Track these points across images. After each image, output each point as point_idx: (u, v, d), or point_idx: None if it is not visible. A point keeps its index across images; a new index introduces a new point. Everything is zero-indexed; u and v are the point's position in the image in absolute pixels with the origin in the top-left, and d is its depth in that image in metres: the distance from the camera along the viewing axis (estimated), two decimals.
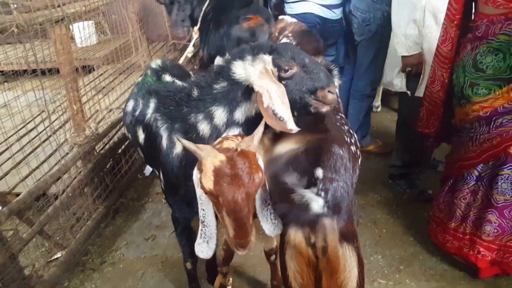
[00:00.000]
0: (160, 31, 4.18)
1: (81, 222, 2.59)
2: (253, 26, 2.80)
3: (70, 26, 4.05)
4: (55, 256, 2.42)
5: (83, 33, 3.93)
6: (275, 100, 1.45)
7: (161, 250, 2.55)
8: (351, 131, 1.70)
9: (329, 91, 1.55)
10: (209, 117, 1.61)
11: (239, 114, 1.60)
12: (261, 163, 1.35)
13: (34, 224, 2.19)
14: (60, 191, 2.38)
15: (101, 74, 3.43)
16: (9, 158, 2.26)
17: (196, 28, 3.05)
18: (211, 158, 1.26)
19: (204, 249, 1.43)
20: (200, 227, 1.42)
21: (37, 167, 2.34)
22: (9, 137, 2.19)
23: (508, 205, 1.92)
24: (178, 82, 2.00)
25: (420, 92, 2.49)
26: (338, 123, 1.66)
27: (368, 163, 3.31)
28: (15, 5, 1.94)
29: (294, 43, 2.07)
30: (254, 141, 1.30)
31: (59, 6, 2.10)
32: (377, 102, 4.15)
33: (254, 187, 1.26)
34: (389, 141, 3.42)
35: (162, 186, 1.86)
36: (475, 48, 1.84)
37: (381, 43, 2.99)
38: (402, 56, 2.47)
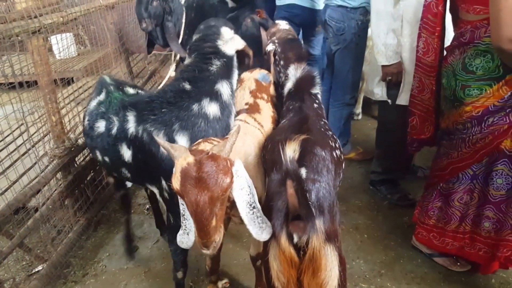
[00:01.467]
0: (140, 42, 4.17)
1: (62, 235, 2.55)
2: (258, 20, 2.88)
3: (49, 38, 4.03)
4: (36, 269, 2.39)
5: (61, 45, 3.89)
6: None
7: (143, 261, 2.52)
8: (334, 136, 1.74)
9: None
10: (216, 97, 1.81)
11: (234, 80, 1.93)
12: (237, 167, 1.39)
13: (13, 237, 2.15)
14: (40, 204, 2.35)
15: (81, 87, 3.40)
16: None
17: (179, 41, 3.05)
18: (181, 159, 1.31)
19: (185, 239, 1.52)
20: (181, 220, 1.49)
21: (16, 180, 2.31)
22: None
23: (504, 199, 1.96)
24: (143, 92, 2.08)
25: (400, 100, 2.55)
26: (322, 128, 1.71)
27: (349, 170, 3.36)
28: None
29: (279, 49, 2.16)
30: (227, 146, 1.34)
31: (35, 17, 2.09)
32: (358, 109, 4.22)
33: (219, 191, 1.29)
34: (369, 148, 3.47)
35: (167, 195, 1.83)
36: (463, 52, 1.91)
37: (356, 52, 3.06)
38: (382, 66, 2.52)
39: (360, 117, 4.24)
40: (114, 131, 1.83)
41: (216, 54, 1.87)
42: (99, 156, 1.97)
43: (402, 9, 2.39)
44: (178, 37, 3.05)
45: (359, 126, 4.08)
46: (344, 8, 2.93)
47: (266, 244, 1.41)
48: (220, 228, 1.35)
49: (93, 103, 2.02)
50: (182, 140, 1.75)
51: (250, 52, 1.99)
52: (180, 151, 1.34)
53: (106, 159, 1.93)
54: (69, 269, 2.47)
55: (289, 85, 1.98)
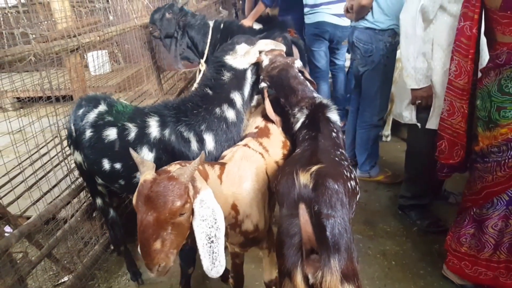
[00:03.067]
0: (169, 60, 4.30)
1: (88, 247, 2.60)
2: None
3: (85, 55, 4.19)
4: (62, 280, 2.43)
5: (97, 61, 4.05)
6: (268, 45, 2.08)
7: (166, 277, 2.52)
8: (351, 167, 1.66)
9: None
10: (232, 104, 1.97)
11: (246, 91, 2.04)
12: (204, 197, 1.34)
13: (43, 247, 2.21)
14: (69, 215, 2.40)
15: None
16: (21, 182, 2.30)
17: (202, 61, 3.13)
18: (143, 175, 1.32)
19: None
20: None
21: (48, 191, 2.38)
22: (23, 161, 2.23)
23: None
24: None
25: (430, 124, 2.49)
26: (337, 158, 1.63)
27: (377, 193, 3.29)
28: (33, 35, 2.02)
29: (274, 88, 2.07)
30: (187, 171, 1.32)
31: (74, 36, 2.19)
32: (387, 131, 4.15)
33: (167, 214, 1.26)
34: (398, 171, 3.39)
35: None
36: (498, 74, 1.89)
37: (385, 73, 3.03)
38: (412, 89, 2.47)
39: (389, 139, 4.17)
40: (131, 136, 1.90)
41: (224, 67, 2.00)
42: (106, 165, 1.97)
43: (433, 33, 2.36)
44: (201, 56, 3.21)
45: (388, 148, 4.00)
46: (372, 30, 2.93)
47: (281, 281, 1.35)
48: (170, 253, 1.30)
49: (91, 115, 2.02)
50: (209, 138, 1.91)
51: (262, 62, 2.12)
52: (146, 167, 1.36)
53: (117, 166, 1.95)
54: (94, 281, 2.50)
55: (302, 118, 1.89)
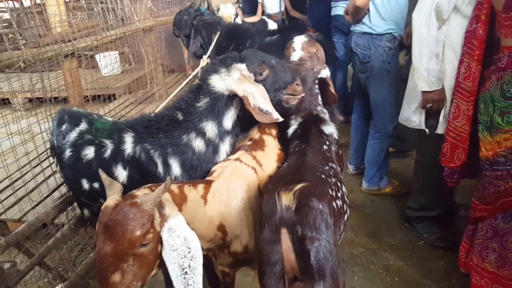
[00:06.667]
0: (180, 61, 4.29)
1: (83, 254, 2.56)
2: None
3: (97, 56, 4.21)
4: None
5: (107, 62, 4.05)
6: (259, 99, 1.65)
7: (162, 286, 2.47)
8: (339, 184, 1.56)
9: (296, 84, 1.78)
10: (201, 134, 1.75)
11: (227, 122, 1.77)
12: (173, 225, 1.26)
13: (33, 256, 2.18)
14: (62, 223, 2.37)
15: (117, 106, 3.48)
16: (14, 192, 2.27)
17: (205, 57, 3.12)
18: (107, 200, 1.24)
19: None
20: None
21: (41, 201, 2.35)
22: (18, 169, 2.21)
23: None
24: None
25: (439, 129, 2.37)
26: (323, 175, 1.52)
27: (383, 203, 3.16)
28: (23, 41, 1.99)
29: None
30: (151, 199, 1.23)
31: (69, 40, 2.15)
32: None
33: (125, 244, 1.18)
34: (406, 180, 3.25)
35: None
36: (500, 78, 1.84)
37: (389, 80, 2.90)
38: (423, 92, 2.35)
39: None
40: (107, 153, 1.82)
41: (203, 90, 1.76)
42: (85, 185, 1.90)
43: (444, 34, 2.24)
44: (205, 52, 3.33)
45: (397, 154, 3.85)
46: (369, 34, 2.81)
47: None
48: (132, 286, 1.21)
49: (73, 135, 1.94)
50: (174, 163, 1.76)
51: (250, 107, 1.70)
52: (114, 190, 1.29)
53: (96, 185, 1.88)
54: None
55: (294, 126, 1.82)
